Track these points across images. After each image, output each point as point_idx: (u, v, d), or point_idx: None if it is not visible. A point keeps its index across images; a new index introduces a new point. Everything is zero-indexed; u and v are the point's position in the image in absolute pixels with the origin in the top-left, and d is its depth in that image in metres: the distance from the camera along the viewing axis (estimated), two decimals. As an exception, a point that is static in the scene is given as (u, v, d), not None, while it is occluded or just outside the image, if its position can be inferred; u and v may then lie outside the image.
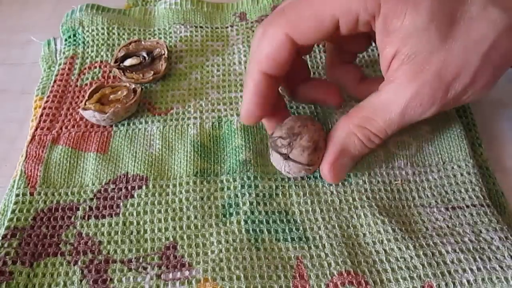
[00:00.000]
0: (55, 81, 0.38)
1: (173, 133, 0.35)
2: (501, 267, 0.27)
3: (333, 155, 0.30)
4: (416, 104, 0.28)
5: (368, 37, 0.33)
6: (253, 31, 0.43)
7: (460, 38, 0.26)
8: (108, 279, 0.28)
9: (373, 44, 0.36)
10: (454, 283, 0.27)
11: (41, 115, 0.36)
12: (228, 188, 0.32)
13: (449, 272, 0.27)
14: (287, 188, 0.32)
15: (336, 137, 0.30)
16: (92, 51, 0.41)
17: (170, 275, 0.28)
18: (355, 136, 0.30)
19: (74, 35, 0.42)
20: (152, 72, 0.38)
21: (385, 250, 0.29)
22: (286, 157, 0.30)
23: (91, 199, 0.31)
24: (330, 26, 0.28)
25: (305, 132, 0.30)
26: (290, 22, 0.28)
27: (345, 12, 0.27)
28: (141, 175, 0.33)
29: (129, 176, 0.33)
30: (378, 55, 0.31)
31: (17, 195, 0.31)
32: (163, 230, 0.30)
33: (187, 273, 0.28)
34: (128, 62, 0.39)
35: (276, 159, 0.31)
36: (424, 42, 0.27)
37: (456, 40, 0.26)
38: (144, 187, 0.32)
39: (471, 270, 0.27)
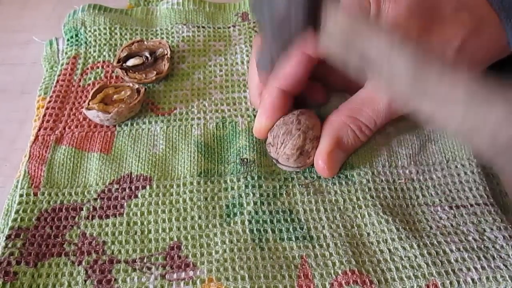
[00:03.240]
0: (57, 81, 0.38)
1: (177, 133, 0.35)
2: (505, 266, 0.27)
3: (328, 147, 0.31)
4: None
5: None
6: (256, 31, 0.43)
7: (436, 33, 0.29)
8: (113, 279, 0.28)
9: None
10: (458, 282, 0.27)
11: (44, 115, 0.36)
12: (232, 188, 0.32)
13: (453, 271, 0.27)
14: (291, 187, 0.32)
15: (329, 129, 0.32)
16: (94, 51, 0.41)
17: (175, 275, 0.28)
18: (347, 126, 0.31)
19: (76, 35, 0.42)
20: (155, 72, 0.38)
21: (389, 249, 0.29)
22: (277, 161, 0.32)
23: (95, 199, 0.31)
24: None
25: (289, 139, 0.31)
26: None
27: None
28: (145, 175, 0.33)
29: (133, 176, 0.33)
30: None
31: (21, 195, 0.31)
32: (167, 230, 0.30)
33: (191, 273, 0.28)
34: (130, 62, 0.39)
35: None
36: (404, 35, 0.29)
37: (431, 36, 0.29)
38: (148, 187, 0.32)
39: (475, 268, 0.27)
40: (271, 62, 0.28)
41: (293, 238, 0.29)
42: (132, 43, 0.40)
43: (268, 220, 0.30)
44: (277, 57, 0.28)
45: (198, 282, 0.27)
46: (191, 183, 0.32)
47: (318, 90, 0.36)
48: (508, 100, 0.20)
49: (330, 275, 0.28)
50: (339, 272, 0.28)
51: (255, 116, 0.36)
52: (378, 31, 0.22)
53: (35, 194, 0.31)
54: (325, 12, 0.23)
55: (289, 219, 0.30)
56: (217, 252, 0.29)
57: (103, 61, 0.40)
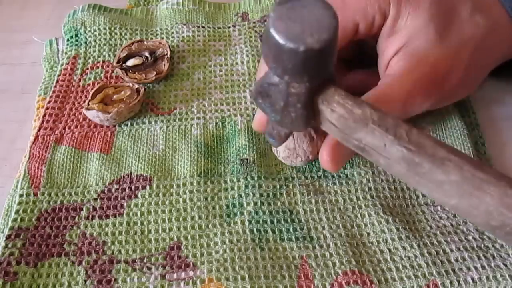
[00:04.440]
0: (57, 81, 0.38)
1: (177, 133, 0.35)
2: (505, 265, 0.28)
3: (333, 140, 0.30)
4: (415, 94, 0.30)
5: (356, 48, 0.36)
6: (255, 31, 0.43)
7: (453, 37, 0.30)
8: (113, 279, 0.28)
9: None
10: (458, 281, 0.27)
11: (44, 115, 0.36)
12: (232, 189, 0.32)
13: (454, 271, 0.28)
14: (291, 187, 0.32)
15: None
16: (94, 51, 0.41)
17: (175, 275, 0.28)
18: None
19: (76, 35, 0.42)
20: (155, 72, 0.38)
21: (389, 249, 0.29)
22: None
23: (95, 199, 0.31)
24: (352, 31, 0.31)
25: (299, 146, 0.32)
26: None
27: (364, 16, 0.30)
28: (145, 175, 0.33)
29: (133, 176, 0.33)
30: (375, 58, 0.33)
31: (21, 196, 0.31)
32: (167, 230, 0.30)
33: (191, 273, 0.28)
34: (130, 62, 0.39)
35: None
36: (423, 39, 0.30)
37: (450, 38, 0.30)
38: (148, 187, 0.32)
39: (475, 268, 0.28)
40: (278, 140, 0.29)
41: (293, 239, 0.29)
42: (132, 43, 0.40)
43: (268, 220, 0.30)
44: (285, 135, 0.29)
45: (198, 282, 0.27)
46: (191, 183, 0.32)
47: None
48: (499, 187, 0.21)
49: (330, 275, 0.28)
50: (339, 272, 0.28)
51: (254, 115, 0.36)
52: (373, 123, 0.23)
53: (35, 194, 0.31)
54: (320, 108, 0.24)
55: (289, 220, 0.30)
56: (217, 252, 0.29)
57: (103, 61, 0.40)
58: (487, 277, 0.27)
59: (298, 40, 0.21)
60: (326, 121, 0.25)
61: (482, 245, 0.29)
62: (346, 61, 0.37)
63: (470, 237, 0.29)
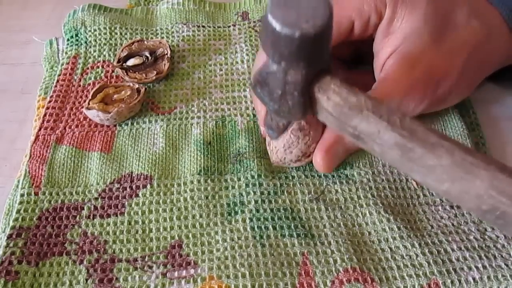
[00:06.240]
0: (58, 81, 0.38)
1: (177, 132, 0.35)
2: (507, 265, 0.28)
3: (327, 142, 0.31)
4: (409, 98, 0.30)
5: (353, 48, 0.36)
6: (256, 30, 0.43)
7: (448, 41, 0.30)
8: (114, 278, 0.28)
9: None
10: (459, 281, 0.27)
11: (45, 115, 0.36)
12: (233, 187, 0.32)
13: (455, 270, 0.28)
14: (291, 186, 0.32)
15: None
16: (94, 51, 0.41)
17: (176, 274, 0.28)
18: None
19: (77, 35, 0.42)
20: (155, 72, 0.38)
21: (390, 248, 0.29)
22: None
23: (96, 199, 0.31)
24: (347, 28, 0.31)
25: (294, 147, 0.32)
26: None
27: (360, 14, 0.30)
28: (145, 174, 0.33)
29: (134, 175, 0.33)
30: (372, 59, 0.33)
31: (22, 195, 0.31)
32: (168, 229, 0.30)
33: (192, 271, 0.28)
34: (131, 62, 0.39)
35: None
36: (418, 42, 0.30)
37: (445, 43, 0.30)
38: (148, 186, 0.32)
39: (477, 268, 0.28)
40: (277, 131, 0.30)
41: (295, 235, 0.29)
42: (132, 43, 0.40)
43: (269, 217, 0.30)
44: (284, 126, 0.30)
45: (199, 280, 0.27)
46: (192, 182, 0.32)
47: None
48: (489, 170, 0.21)
49: (331, 272, 0.28)
50: (340, 269, 0.28)
51: (254, 115, 0.36)
52: (367, 110, 0.23)
53: (36, 194, 0.31)
54: (317, 96, 0.25)
55: (290, 217, 0.30)
56: (218, 250, 0.29)
57: (103, 61, 0.40)
58: (488, 277, 0.27)
59: (294, 26, 0.22)
60: (322, 109, 0.25)
61: (484, 245, 0.29)
62: (343, 61, 0.37)
63: (471, 237, 0.29)
